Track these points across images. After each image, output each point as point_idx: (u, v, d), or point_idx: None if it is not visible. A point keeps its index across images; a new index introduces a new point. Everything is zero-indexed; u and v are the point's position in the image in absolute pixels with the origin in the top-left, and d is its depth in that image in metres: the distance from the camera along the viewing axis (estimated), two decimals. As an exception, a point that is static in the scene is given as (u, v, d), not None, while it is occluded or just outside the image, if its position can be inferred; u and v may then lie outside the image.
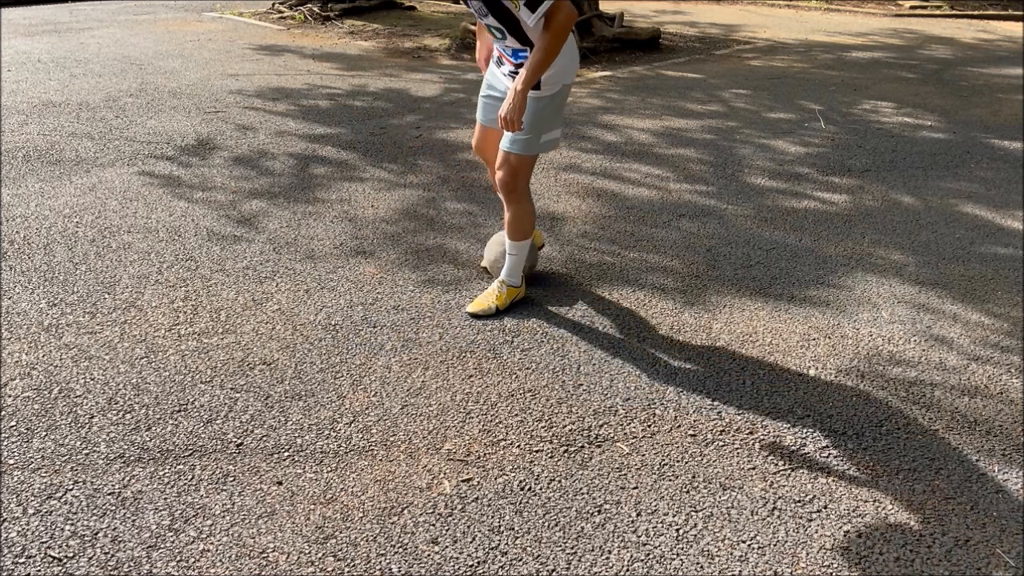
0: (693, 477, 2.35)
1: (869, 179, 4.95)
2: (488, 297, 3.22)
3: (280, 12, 10.64)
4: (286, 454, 2.40)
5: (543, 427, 2.55)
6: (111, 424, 2.51)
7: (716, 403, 2.70)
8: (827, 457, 2.45)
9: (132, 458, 2.37)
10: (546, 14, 2.71)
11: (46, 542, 2.06)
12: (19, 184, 4.44)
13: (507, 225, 3.15)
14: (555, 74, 2.90)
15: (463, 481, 2.31)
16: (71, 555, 2.02)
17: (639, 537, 2.13)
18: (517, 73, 2.91)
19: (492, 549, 2.08)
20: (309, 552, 2.05)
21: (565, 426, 2.56)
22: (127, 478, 2.28)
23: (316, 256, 3.68)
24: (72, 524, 2.11)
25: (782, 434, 2.55)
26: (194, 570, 1.99)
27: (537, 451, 2.45)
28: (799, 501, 2.27)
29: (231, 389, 2.70)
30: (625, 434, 2.53)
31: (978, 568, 2.07)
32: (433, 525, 2.15)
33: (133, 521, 2.13)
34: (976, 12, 12.84)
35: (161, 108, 6.02)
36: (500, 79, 3.07)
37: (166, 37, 8.98)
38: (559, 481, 2.32)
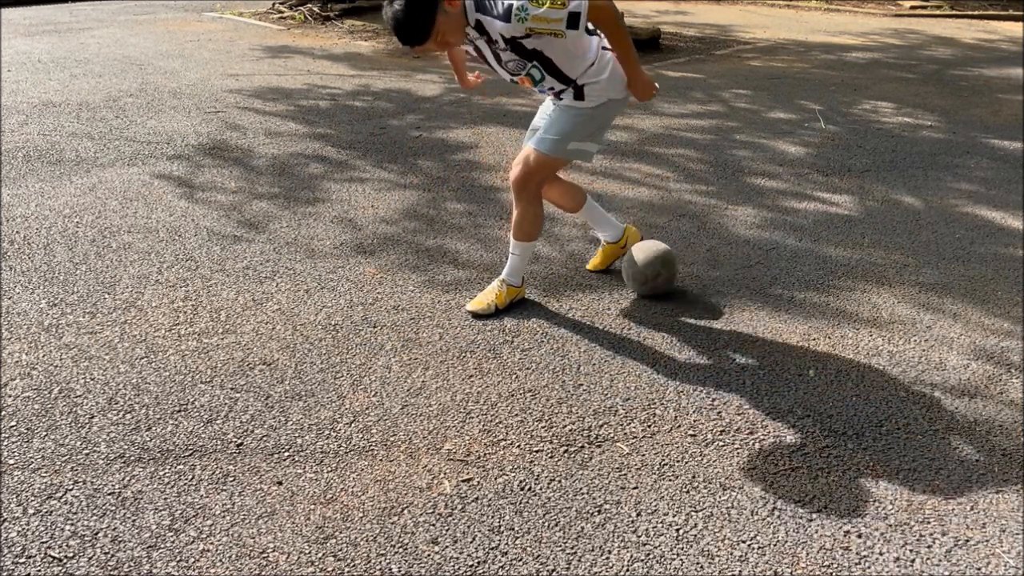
0: (693, 477, 2.35)
1: (869, 179, 4.95)
2: (488, 296, 3.22)
3: (280, 12, 10.64)
4: (286, 454, 2.40)
5: (543, 427, 2.55)
6: (111, 424, 2.51)
7: (716, 403, 2.70)
8: (827, 457, 2.45)
9: (132, 458, 2.37)
10: (591, 21, 2.72)
11: (46, 542, 2.06)
12: (19, 184, 4.44)
13: (513, 224, 3.16)
14: (599, 88, 2.92)
15: (463, 481, 2.31)
16: (71, 555, 2.02)
17: (639, 537, 2.13)
18: (560, 99, 2.99)
19: (492, 549, 2.08)
20: (309, 552, 2.05)
21: (565, 426, 2.56)
22: (127, 478, 2.28)
23: (316, 256, 3.68)
24: (72, 524, 2.11)
25: (782, 434, 2.55)
26: (194, 570, 1.99)
27: (537, 451, 2.45)
28: (799, 501, 2.27)
29: (231, 389, 2.70)
30: (625, 434, 2.53)
31: (978, 568, 2.07)
32: (433, 525, 2.15)
33: (133, 521, 2.13)
34: (976, 12, 12.84)
35: (161, 108, 6.02)
36: (546, 108, 3.13)
37: (166, 37, 8.99)
38: (559, 481, 2.32)
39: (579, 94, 2.94)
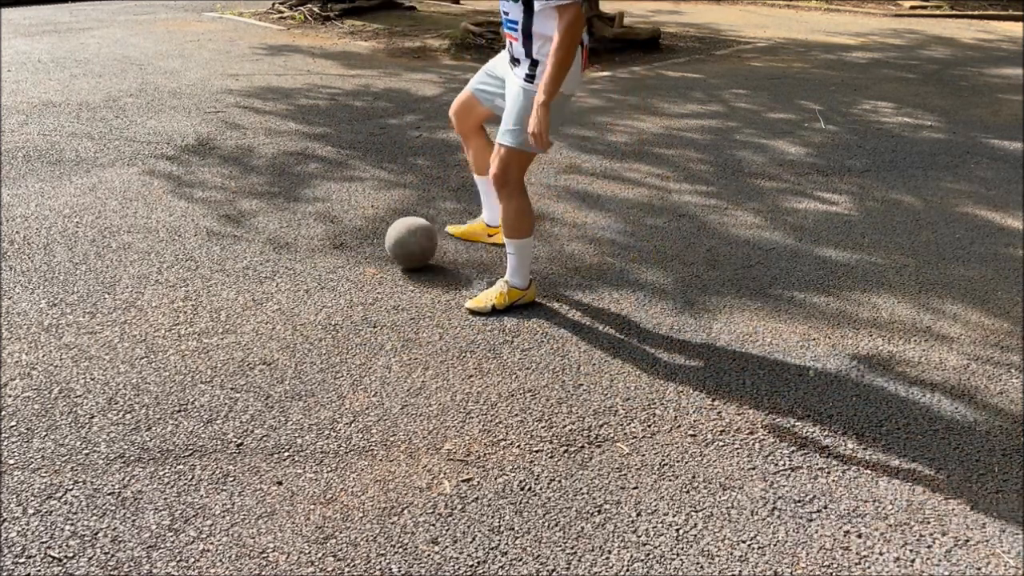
0: (693, 477, 2.35)
1: (869, 179, 4.95)
2: (489, 295, 3.22)
3: (280, 12, 10.64)
4: (286, 454, 2.40)
5: (543, 427, 2.56)
6: (111, 424, 2.51)
7: (716, 403, 2.70)
8: (827, 457, 2.45)
9: (132, 458, 2.37)
10: (558, 13, 2.68)
11: (46, 542, 2.06)
12: (19, 184, 4.44)
13: (501, 223, 3.15)
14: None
15: (463, 481, 2.31)
16: (71, 555, 2.02)
17: (639, 537, 2.13)
18: (516, 64, 2.96)
19: (492, 549, 2.08)
20: (309, 552, 2.05)
21: (565, 426, 2.56)
22: (127, 478, 2.28)
23: (316, 256, 3.68)
24: (72, 524, 2.11)
25: (782, 434, 2.55)
26: (194, 570, 1.99)
27: (537, 451, 2.45)
28: (799, 501, 2.27)
29: (231, 389, 2.70)
30: (625, 434, 2.53)
31: (978, 568, 2.07)
32: (433, 525, 2.15)
33: (133, 521, 2.13)
34: (976, 12, 12.84)
35: (161, 108, 6.02)
36: (501, 65, 3.13)
37: (166, 37, 8.99)
38: (559, 481, 2.32)
39: (531, 74, 2.87)
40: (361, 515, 2.18)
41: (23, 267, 3.50)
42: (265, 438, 2.47)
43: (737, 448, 2.48)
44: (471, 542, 2.10)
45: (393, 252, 3.53)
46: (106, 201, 4.24)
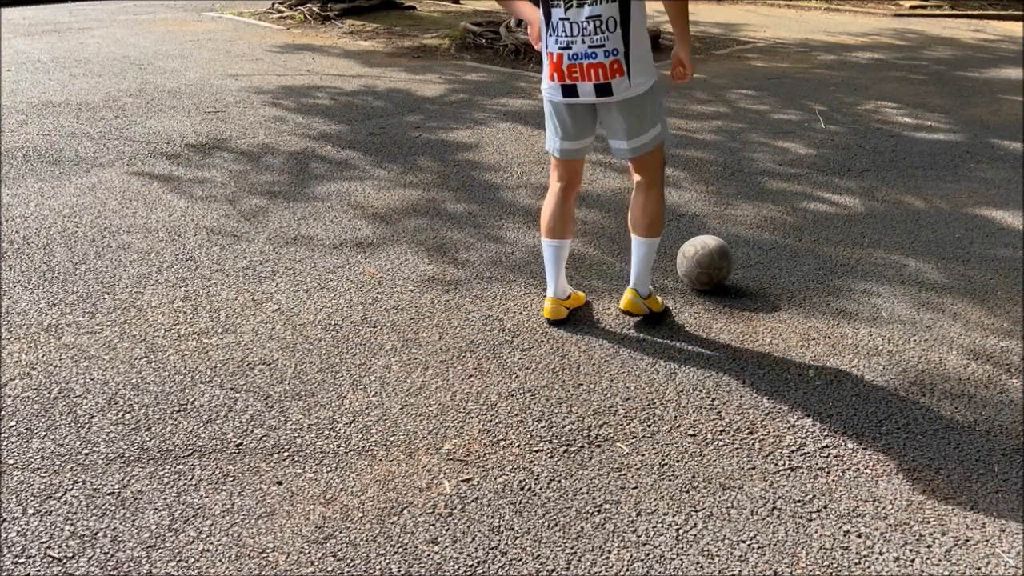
0: (693, 477, 2.35)
1: (869, 179, 4.95)
2: (644, 305, 3.17)
3: (280, 12, 10.64)
4: (286, 454, 2.40)
5: (543, 427, 2.55)
6: (111, 424, 2.51)
7: (716, 403, 2.70)
8: (827, 457, 2.45)
9: (132, 458, 2.37)
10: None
11: (46, 542, 2.06)
12: (19, 184, 4.44)
13: (650, 223, 3.03)
14: (646, 66, 2.96)
15: (463, 481, 2.31)
16: (71, 555, 2.02)
17: (639, 537, 2.13)
18: (605, 91, 2.82)
19: (492, 549, 2.08)
20: (309, 552, 2.05)
21: (565, 426, 2.56)
22: (127, 478, 2.28)
23: (316, 256, 3.68)
24: (72, 524, 2.11)
25: (782, 434, 2.55)
26: (194, 570, 1.99)
27: (537, 451, 2.45)
28: (799, 501, 2.27)
29: (231, 389, 2.70)
30: (625, 434, 2.53)
31: (978, 568, 2.07)
32: (433, 525, 2.15)
33: (133, 521, 2.13)
34: (976, 12, 12.83)
35: (161, 108, 6.02)
36: (572, 118, 2.92)
37: (166, 37, 8.99)
38: (559, 481, 2.32)
39: (641, 81, 2.93)
40: (361, 515, 2.18)
41: (23, 267, 3.50)
42: (265, 438, 2.47)
43: (737, 448, 2.48)
44: (471, 542, 2.10)
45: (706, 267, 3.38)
46: (106, 201, 4.24)
